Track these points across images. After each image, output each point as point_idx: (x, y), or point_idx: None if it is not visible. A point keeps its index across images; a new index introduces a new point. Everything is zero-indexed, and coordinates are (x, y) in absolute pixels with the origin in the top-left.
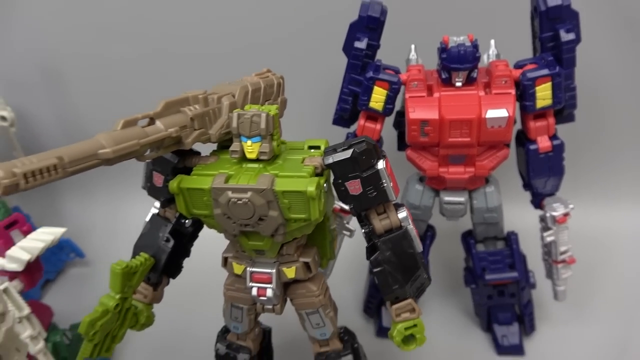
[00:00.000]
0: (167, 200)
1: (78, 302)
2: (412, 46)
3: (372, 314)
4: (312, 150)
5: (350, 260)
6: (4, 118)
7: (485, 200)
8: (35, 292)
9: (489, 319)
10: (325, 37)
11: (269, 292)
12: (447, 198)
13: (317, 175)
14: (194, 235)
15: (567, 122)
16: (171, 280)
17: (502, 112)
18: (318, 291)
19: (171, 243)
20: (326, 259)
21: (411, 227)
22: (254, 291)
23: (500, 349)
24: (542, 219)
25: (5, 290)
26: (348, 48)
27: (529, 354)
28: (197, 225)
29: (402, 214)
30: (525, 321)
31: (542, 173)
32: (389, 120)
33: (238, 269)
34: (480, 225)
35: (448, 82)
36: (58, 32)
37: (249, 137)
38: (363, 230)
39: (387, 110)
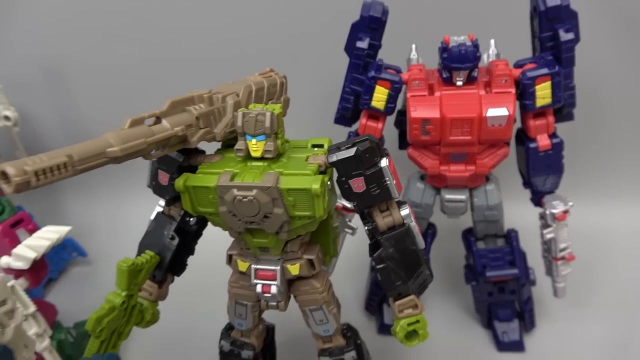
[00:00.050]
0: (172, 199)
1: (81, 301)
2: (413, 46)
3: (374, 311)
4: (316, 149)
5: (351, 258)
6: (7, 118)
7: (486, 198)
8: (38, 291)
9: (489, 316)
10: (326, 37)
11: (274, 289)
12: (448, 196)
13: (321, 173)
14: (198, 233)
15: (567, 121)
16: (175, 278)
17: (502, 111)
18: (322, 288)
19: (176, 241)
20: (329, 256)
21: (414, 224)
22: (259, 288)
23: (501, 345)
24: (542, 217)
25: (12, 288)
26: (350, 48)
27: (529, 350)
28: (201, 224)
29: (405, 211)
30: (526, 318)
31: (541, 171)
32: (390, 119)
33: (242, 266)
34: (480, 223)
35: (449, 81)
36: (61, 33)
37: (253, 136)
38: (366, 228)
39: (389, 109)
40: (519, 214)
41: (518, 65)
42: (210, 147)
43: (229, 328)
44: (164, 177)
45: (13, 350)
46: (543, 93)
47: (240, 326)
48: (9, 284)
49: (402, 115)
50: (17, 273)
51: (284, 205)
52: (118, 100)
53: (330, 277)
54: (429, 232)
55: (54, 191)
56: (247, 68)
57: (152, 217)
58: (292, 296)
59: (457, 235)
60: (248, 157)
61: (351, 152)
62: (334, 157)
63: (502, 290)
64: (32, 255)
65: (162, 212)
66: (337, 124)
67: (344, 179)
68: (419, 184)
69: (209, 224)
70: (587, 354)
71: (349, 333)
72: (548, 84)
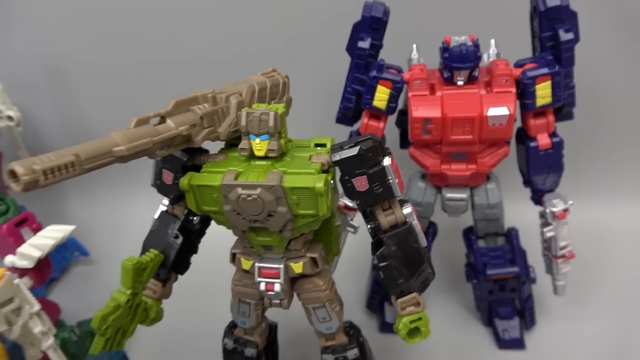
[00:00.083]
0: (176, 198)
1: (83, 300)
2: (414, 46)
3: (375, 309)
4: (319, 148)
5: (353, 257)
6: (10, 118)
7: (487, 196)
8: (41, 290)
9: (490, 314)
10: (328, 37)
11: (277, 287)
12: (449, 195)
13: (324, 172)
14: (201, 232)
15: (567, 120)
16: (179, 276)
17: (503, 110)
18: (324, 286)
19: (180, 240)
20: (332, 254)
21: (416, 223)
22: (262, 286)
23: (502, 342)
24: (542, 215)
25: (17, 286)
26: (351, 48)
27: (529, 347)
28: (205, 222)
29: (407, 209)
30: (526, 315)
31: (541, 170)
32: (391, 118)
33: (246, 264)
34: (481, 222)
35: (450, 81)
36: (63, 33)
37: (257, 135)
38: (369, 226)
39: (390, 108)
40: (519, 212)
41: (518, 65)
42: (214, 147)
43: (232, 326)
44: (168, 176)
45: (22, 346)
46: (543, 92)
47: (244, 324)
48: (15, 281)
49: (404, 114)
50: (22, 272)
51: (288, 204)
52: (119, 100)
53: (332, 275)
54: (430, 230)
55: (56, 191)
56: (248, 68)
57: (156, 216)
58: (295, 294)
59: (457, 234)
60: (252, 156)
61: (354, 150)
62: (337, 156)
63: (503, 288)
64: (37, 254)
65: (166, 211)
66: (338, 124)
67: (347, 177)
68: (420, 183)
69: (213, 222)
70: (587, 352)
71: (352, 331)
72: (548, 83)
